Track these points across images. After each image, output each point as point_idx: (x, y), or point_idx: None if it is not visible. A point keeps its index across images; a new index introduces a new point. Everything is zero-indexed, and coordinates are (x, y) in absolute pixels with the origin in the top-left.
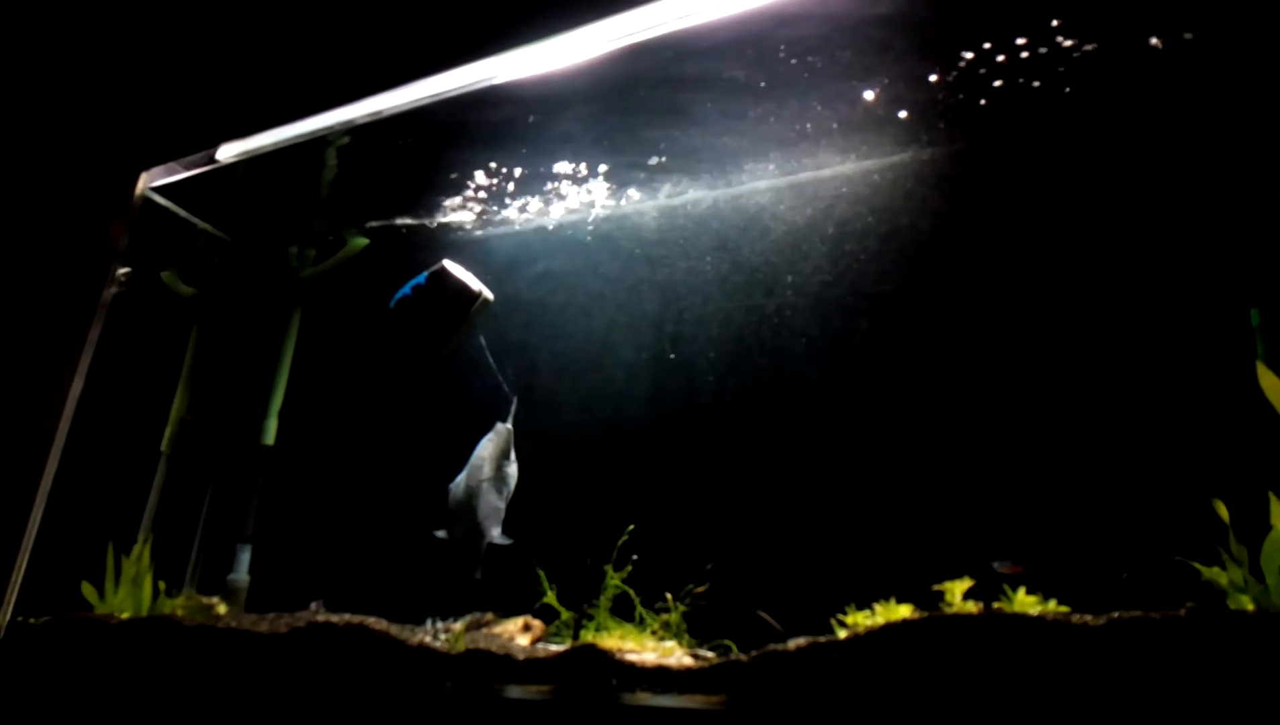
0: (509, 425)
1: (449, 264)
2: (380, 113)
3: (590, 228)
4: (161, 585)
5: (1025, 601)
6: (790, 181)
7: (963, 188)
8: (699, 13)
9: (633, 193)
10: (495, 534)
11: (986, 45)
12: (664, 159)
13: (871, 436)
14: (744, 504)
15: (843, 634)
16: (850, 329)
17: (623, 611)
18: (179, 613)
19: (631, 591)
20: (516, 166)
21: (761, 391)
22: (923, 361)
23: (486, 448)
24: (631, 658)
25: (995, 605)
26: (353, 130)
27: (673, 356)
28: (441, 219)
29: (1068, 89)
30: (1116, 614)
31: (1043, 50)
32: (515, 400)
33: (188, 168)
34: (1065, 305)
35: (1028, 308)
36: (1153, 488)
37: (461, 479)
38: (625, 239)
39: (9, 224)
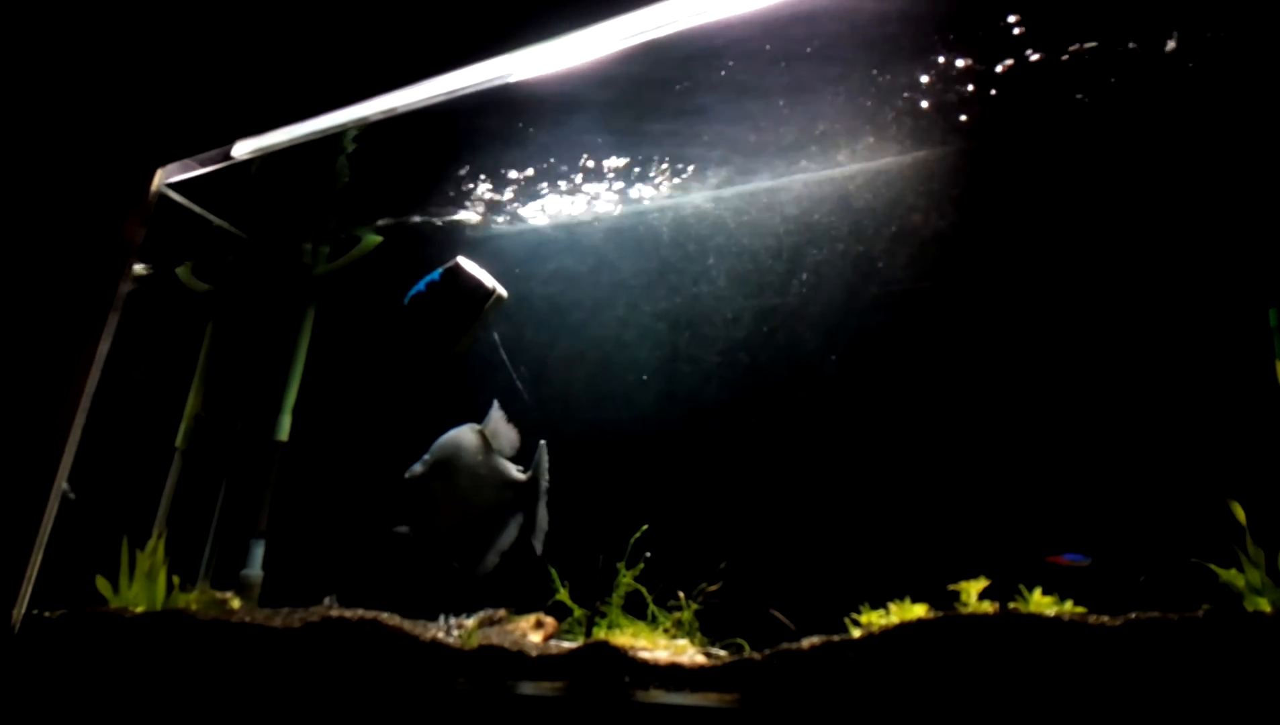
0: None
1: (463, 261)
2: (395, 110)
3: (604, 226)
4: (176, 580)
5: (1041, 602)
6: (805, 180)
7: (979, 186)
8: (714, 10)
9: (647, 190)
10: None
11: (1004, 42)
12: (680, 156)
13: (886, 435)
14: (758, 502)
15: (857, 633)
16: (865, 327)
17: (635, 609)
18: (193, 607)
19: (644, 589)
20: (531, 164)
21: (776, 389)
22: (939, 360)
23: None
24: (644, 655)
25: (1011, 605)
26: (367, 127)
27: (687, 355)
28: (455, 216)
29: (1084, 87)
30: (1134, 615)
31: (1058, 49)
32: (496, 402)
33: (203, 164)
34: (1082, 305)
35: (1046, 307)
36: (1170, 489)
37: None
38: (639, 237)
39: (26, 220)
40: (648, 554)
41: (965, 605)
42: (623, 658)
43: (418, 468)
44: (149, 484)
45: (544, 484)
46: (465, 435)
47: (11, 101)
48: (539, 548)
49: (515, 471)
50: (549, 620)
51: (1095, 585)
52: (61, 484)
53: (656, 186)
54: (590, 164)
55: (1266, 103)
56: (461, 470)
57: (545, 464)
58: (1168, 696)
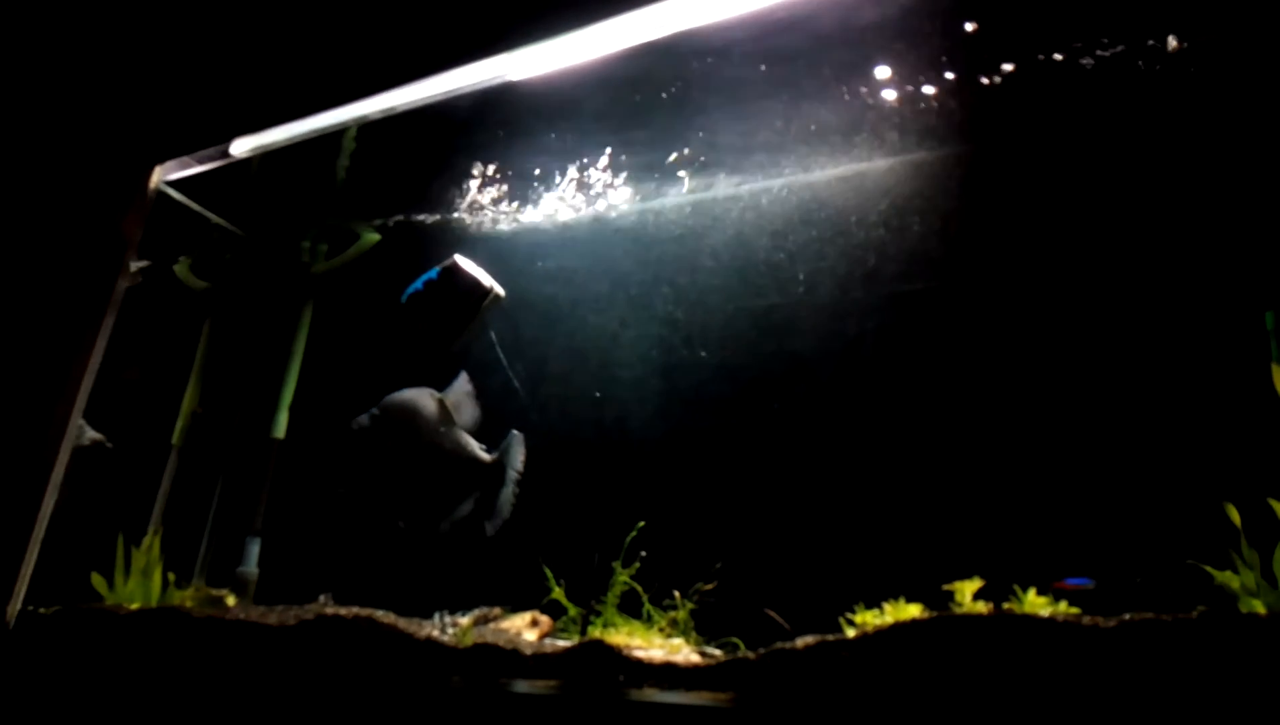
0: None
1: (460, 259)
2: (394, 109)
3: (601, 225)
4: (171, 577)
5: (1036, 602)
6: (803, 180)
7: (975, 188)
8: (714, 11)
9: (645, 190)
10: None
11: (998, 45)
12: (677, 156)
13: (882, 435)
14: (753, 502)
15: (851, 633)
16: (862, 328)
17: (630, 608)
18: (188, 604)
19: (639, 588)
20: (529, 163)
21: (772, 389)
22: (935, 362)
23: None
24: (639, 654)
25: (1005, 606)
26: (367, 125)
27: (684, 353)
28: (454, 215)
29: (1081, 89)
30: (1128, 616)
31: (1056, 50)
32: (464, 374)
33: (201, 162)
34: (1078, 307)
35: (1041, 309)
36: (1166, 491)
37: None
38: (637, 236)
39: (24, 217)
40: (643, 553)
41: (959, 605)
42: (617, 656)
43: (364, 419)
44: (145, 480)
45: (513, 474)
46: (423, 399)
47: (11, 98)
48: (491, 531)
49: (479, 449)
50: (544, 619)
51: (1091, 587)
52: (57, 480)
53: (654, 186)
54: (588, 163)
55: (1262, 104)
56: (418, 433)
57: (519, 454)
58: (1163, 698)
